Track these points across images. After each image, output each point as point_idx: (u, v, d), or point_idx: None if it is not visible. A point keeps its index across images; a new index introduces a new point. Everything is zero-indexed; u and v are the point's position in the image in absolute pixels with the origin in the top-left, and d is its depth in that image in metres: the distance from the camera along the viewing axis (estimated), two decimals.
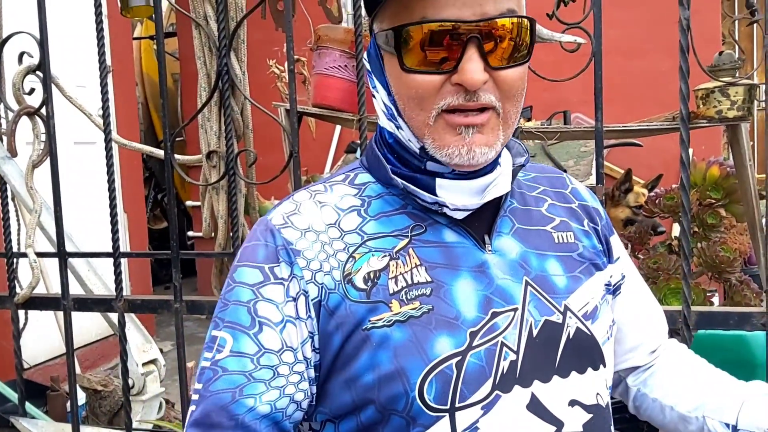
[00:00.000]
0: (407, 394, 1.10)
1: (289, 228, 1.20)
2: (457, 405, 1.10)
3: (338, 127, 7.30)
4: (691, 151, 2.21)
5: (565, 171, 3.94)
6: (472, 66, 1.10)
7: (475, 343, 1.14)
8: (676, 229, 4.29)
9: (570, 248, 1.33)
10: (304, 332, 1.15)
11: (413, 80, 1.14)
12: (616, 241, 1.45)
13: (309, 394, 1.16)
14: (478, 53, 1.10)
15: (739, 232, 3.26)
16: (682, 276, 2.08)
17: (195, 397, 1.14)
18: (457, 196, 1.21)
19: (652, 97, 6.12)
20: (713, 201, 3.12)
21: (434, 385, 1.10)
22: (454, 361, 1.12)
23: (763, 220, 2.30)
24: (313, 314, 1.15)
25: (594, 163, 2.28)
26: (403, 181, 1.21)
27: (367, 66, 1.28)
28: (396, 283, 1.16)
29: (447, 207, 1.20)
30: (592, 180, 2.51)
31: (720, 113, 2.67)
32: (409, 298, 1.15)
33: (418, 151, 1.21)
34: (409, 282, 1.17)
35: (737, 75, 2.74)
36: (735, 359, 4.21)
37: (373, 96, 1.28)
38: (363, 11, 2.34)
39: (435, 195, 1.21)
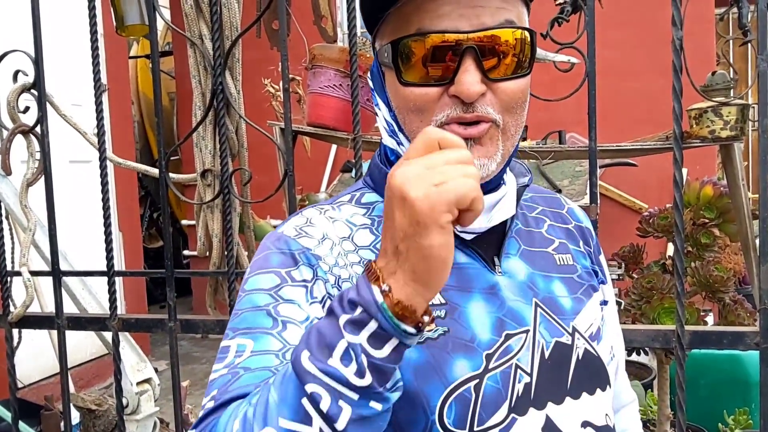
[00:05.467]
0: (427, 417, 1.08)
1: (305, 237, 1.18)
2: (475, 429, 1.09)
3: (334, 146, 7.31)
4: (685, 170, 2.22)
5: (560, 191, 3.96)
6: (468, 78, 1.08)
7: (491, 365, 1.13)
8: (670, 249, 4.29)
9: (570, 270, 1.33)
10: None
11: (411, 93, 1.13)
12: (604, 263, 1.45)
13: None
14: (474, 64, 1.09)
15: (732, 251, 3.27)
16: (676, 295, 2.09)
17: (210, 403, 1.03)
18: None
19: (646, 116, 6.14)
20: (707, 220, 3.12)
21: (453, 408, 1.09)
22: (472, 384, 1.11)
23: (757, 240, 2.30)
24: None
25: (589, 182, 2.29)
26: None
27: (371, 84, 1.28)
28: None
29: (455, 228, 1.19)
30: (587, 200, 2.52)
31: (713, 133, 2.68)
32: None
33: None
34: None
35: (731, 95, 2.75)
36: (729, 378, 4.23)
37: (376, 114, 1.28)
38: (358, 30, 2.35)
39: None
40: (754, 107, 2.56)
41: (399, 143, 1.23)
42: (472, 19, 1.09)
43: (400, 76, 1.14)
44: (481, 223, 1.20)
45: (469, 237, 1.21)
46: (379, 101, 1.25)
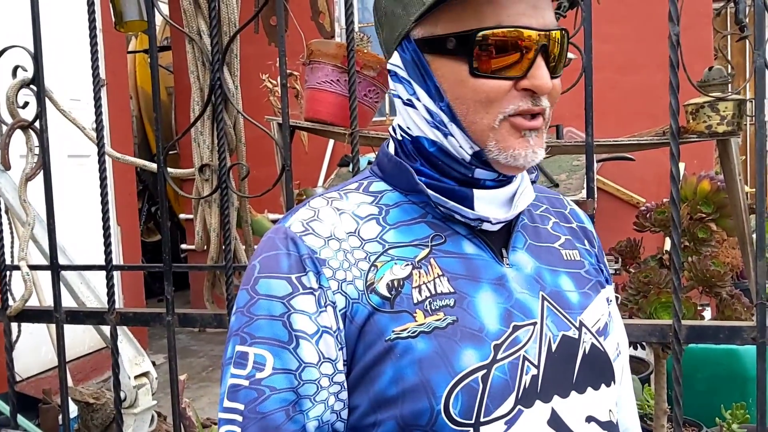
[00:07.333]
0: (432, 407, 1.08)
1: (311, 235, 1.17)
2: (482, 420, 1.09)
3: (331, 141, 7.31)
4: (682, 165, 2.22)
5: (557, 185, 3.96)
6: (544, 72, 1.13)
7: (499, 356, 1.13)
8: (667, 244, 4.29)
9: (577, 265, 1.33)
10: (338, 343, 1.12)
11: (483, 85, 1.14)
12: (606, 267, 1.46)
13: (346, 404, 1.15)
14: (544, 61, 1.14)
15: (730, 246, 3.27)
16: (673, 290, 2.09)
17: (236, 416, 1.11)
18: (492, 209, 1.21)
19: (643, 111, 6.15)
20: (704, 215, 3.12)
21: (460, 398, 1.08)
22: (480, 374, 1.10)
23: (754, 235, 2.31)
24: (341, 325, 1.13)
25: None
26: (440, 196, 1.20)
27: (403, 74, 1.24)
28: (420, 292, 1.15)
29: (489, 222, 1.20)
30: (584, 194, 2.52)
31: (710, 128, 2.68)
32: (433, 308, 1.14)
33: (468, 158, 1.20)
34: (433, 292, 1.15)
35: (727, 90, 2.75)
36: (726, 373, 4.24)
37: (407, 105, 1.25)
38: (356, 26, 2.35)
39: (473, 208, 1.20)
40: (751, 102, 2.57)
41: (446, 135, 1.21)
42: (538, 19, 1.13)
43: (473, 67, 1.14)
44: (504, 213, 1.23)
45: (492, 228, 1.22)
46: (419, 91, 1.22)
